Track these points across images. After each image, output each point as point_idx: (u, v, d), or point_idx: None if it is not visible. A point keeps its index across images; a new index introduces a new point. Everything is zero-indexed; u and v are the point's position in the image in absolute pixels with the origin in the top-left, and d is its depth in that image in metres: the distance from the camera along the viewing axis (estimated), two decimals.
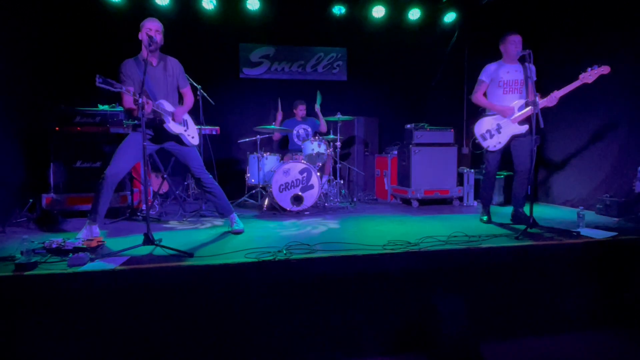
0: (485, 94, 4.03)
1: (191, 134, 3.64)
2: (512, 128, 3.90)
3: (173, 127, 3.45)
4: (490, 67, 3.96)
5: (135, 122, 3.41)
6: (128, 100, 3.25)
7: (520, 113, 3.85)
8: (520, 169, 3.95)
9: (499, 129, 3.95)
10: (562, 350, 2.84)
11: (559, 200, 5.45)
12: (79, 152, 4.46)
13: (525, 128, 3.87)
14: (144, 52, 3.37)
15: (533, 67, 3.88)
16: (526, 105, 3.83)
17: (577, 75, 3.60)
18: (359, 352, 2.75)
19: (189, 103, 3.67)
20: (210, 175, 3.73)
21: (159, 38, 3.33)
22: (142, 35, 3.32)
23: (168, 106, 3.45)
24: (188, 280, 2.58)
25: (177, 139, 3.55)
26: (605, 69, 3.55)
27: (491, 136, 3.98)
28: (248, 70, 6.84)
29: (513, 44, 3.81)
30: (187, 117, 3.65)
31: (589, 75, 3.55)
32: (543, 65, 5.49)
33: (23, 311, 2.41)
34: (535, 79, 3.88)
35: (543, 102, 3.69)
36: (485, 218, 4.13)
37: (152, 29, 3.29)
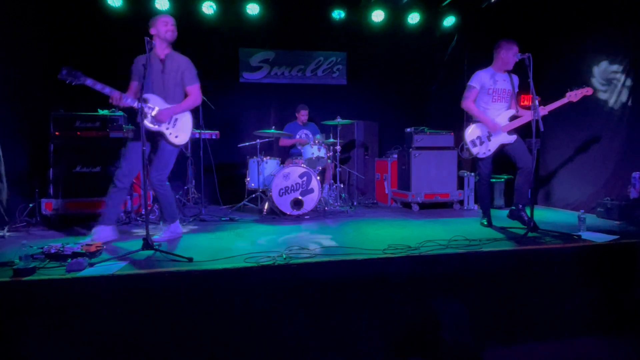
0: (474, 101, 4.05)
1: (176, 133, 3.48)
2: (502, 137, 3.94)
3: (149, 123, 3.32)
4: (481, 74, 3.98)
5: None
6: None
7: (511, 123, 3.91)
8: (525, 167, 3.92)
9: (489, 136, 3.96)
10: (565, 356, 2.82)
11: (559, 203, 5.44)
12: (79, 156, 4.44)
13: (514, 138, 3.93)
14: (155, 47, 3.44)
15: (516, 78, 3.99)
16: (513, 117, 3.93)
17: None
18: (358, 358, 2.73)
19: (187, 102, 3.52)
20: (163, 178, 3.54)
21: (163, 31, 3.42)
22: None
23: (154, 102, 3.36)
24: (187, 285, 2.57)
25: (161, 135, 3.45)
26: (588, 91, 3.78)
27: (481, 143, 4.00)
28: (248, 75, 6.84)
29: (511, 51, 3.82)
30: (180, 116, 3.51)
31: (575, 94, 3.77)
32: (543, 70, 5.52)
33: (21, 317, 2.39)
34: (517, 90, 3.99)
35: (529, 116, 3.76)
36: (485, 222, 4.11)
37: (168, 22, 3.45)
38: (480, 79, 3.96)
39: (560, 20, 5.38)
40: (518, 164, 3.98)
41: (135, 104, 3.23)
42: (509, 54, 3.83)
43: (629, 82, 4.52)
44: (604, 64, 4.82)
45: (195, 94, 3.57)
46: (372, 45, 7.02)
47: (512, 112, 3.97)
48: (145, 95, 3.31)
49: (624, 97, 4.55)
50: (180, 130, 3.52)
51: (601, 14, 4.77)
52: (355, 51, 7.14)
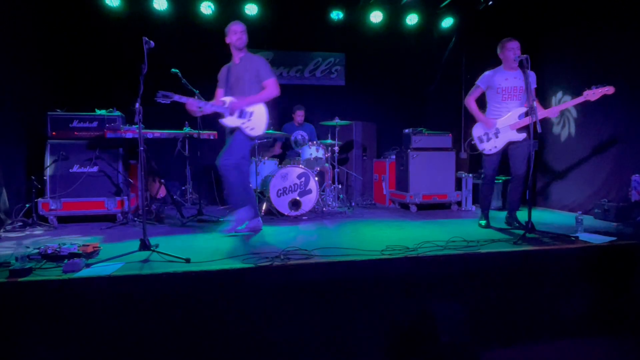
0: (478, 100, 4.04)
1: (251, 125, 3.73)
2: (510, 134, 3.91)
3: (227, 121, 3.70)
4: (488, 74, 3.98)
5: None
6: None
7: (520, 121, 3.86)
8: (516, 173, 3.96)
9: (497, 133, 3.95)
10: (563, 356, 2.82)
11: (557, 205, 5.45)
12: (76, 156, 4.43)
13: (523, 136, 3.89)
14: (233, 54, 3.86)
15: (533, 74, 3.89)
16: (526, 114, 3.83)
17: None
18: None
19: (260, 94, 3.78)
20: (228, 164, 3.65)
21: (234, 39, 3.77)
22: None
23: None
24: (184, 286, 2.56)
25: (238, 127, 3.75)
26: (609, 89, 3.62)
27: (488, 139, 3.99)
28: None
29: (511, 51, 3.82)
30: (254, 108, 3.75)
31: (593, 93, 3.63)
32: (542, 71, 5.53)
33: (17, 318, 2.38)
34: (535, 86, 3.89)
35: (545, 113, 3.80)
36: (483, 223, 4.11)
37: (237, 31, 3.77)
38: (486, 78, 3.97)
39: (560, 21, 5.39)
40: (510, 170, 4.00)
41: (214, 109, 3.63)
42: (504, 51, 3.85)
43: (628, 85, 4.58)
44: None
45: (270, 87, 3.79)
46: (371, 46, 7.03)
47: (522, 109, 3.89)
48: (224, 98, 3.75)
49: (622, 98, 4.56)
50: (255, 123, 3.75)
51: (602, 15, 4.79)
52: (354, 52, 7.15)
